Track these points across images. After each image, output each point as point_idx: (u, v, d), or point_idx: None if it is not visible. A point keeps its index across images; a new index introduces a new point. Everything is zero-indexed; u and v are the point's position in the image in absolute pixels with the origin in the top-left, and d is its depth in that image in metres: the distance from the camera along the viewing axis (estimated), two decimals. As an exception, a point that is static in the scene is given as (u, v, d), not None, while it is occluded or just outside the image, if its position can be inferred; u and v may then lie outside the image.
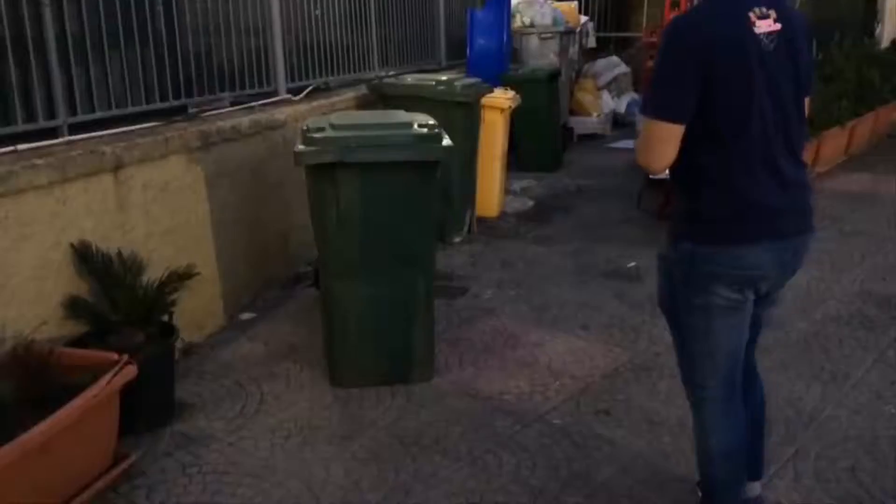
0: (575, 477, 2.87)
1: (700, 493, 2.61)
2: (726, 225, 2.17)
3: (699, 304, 2.23)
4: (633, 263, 5.01)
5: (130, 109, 3.81)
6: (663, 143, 2.10)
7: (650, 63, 10.97)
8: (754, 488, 2.57)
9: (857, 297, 4.48)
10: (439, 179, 3.45)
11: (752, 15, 2.06)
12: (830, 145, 7.27)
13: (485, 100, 5.65)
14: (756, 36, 2.05)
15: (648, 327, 4.13)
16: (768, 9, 2.08)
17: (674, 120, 2.07)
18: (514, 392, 3.47)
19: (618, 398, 3.41)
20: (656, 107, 2.11)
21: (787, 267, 2.30)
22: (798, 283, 4.69)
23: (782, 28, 2.08)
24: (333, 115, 4.22)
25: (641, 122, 2.18)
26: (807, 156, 6.83)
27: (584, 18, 9.71)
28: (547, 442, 3.08)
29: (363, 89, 5.76)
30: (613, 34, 11.91)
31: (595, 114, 9.16)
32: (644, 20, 11.79)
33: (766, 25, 2.06)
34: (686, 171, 2.18)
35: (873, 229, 5.74)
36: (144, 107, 3.89)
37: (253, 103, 4.68)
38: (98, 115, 3.62)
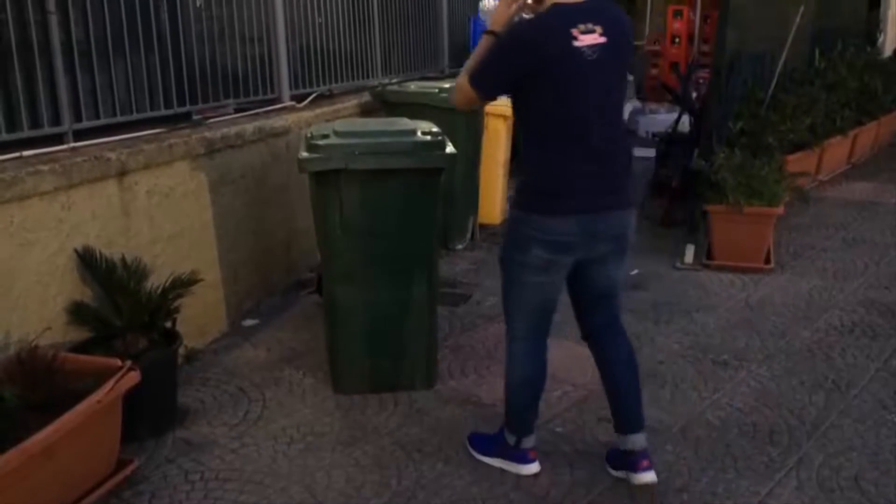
0: (577, 484, 2.86)
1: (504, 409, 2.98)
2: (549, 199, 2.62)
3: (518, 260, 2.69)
4: (635, 271, 5.01)
5: (135, 116, 3.82)
6: (469, 101, 2.68)
7: (654, 71, 11.03)
8: (634, 441, 2.80)
9: (861, 306, 4.48)
10: (442, 186, 3.45)
11: (574, 31, 2.47)
12: (833, 154, 7.27)
13: (488, 107, 5.66)
14: (576, 48, 2.46)
15: (651, 335, 4.13)
16: (594, 24, 2.48)
17: (482, 93, 2.64)
18: (517, 399, 3.46)
19: (620, 406, 3.40)
20: (476, 79, 2.61)
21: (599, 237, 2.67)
22: (801, 291, 4.70)
23: (608, 41, 2.49)
24: (337, 122, 4.22)
25: (461, 83, 2.66)
26: (807, 164, 6.72)
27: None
28: (549, 449, 3.08)
29: (366, 96, 5.77)
30: (616, 42, 11.92)
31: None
32: (647, 29, 11.83)
33: (590, 39, 2.47)
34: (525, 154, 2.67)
35: (876, 238, 5.73)
36: (149, 113, 3.90)
37: (257, 110, 4.69)
38: (103, 121, 3.63)
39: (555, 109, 2.54)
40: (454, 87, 2.72)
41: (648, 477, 2.73)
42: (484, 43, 2.64)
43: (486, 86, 2.63)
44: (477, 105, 2.71)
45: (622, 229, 2.68)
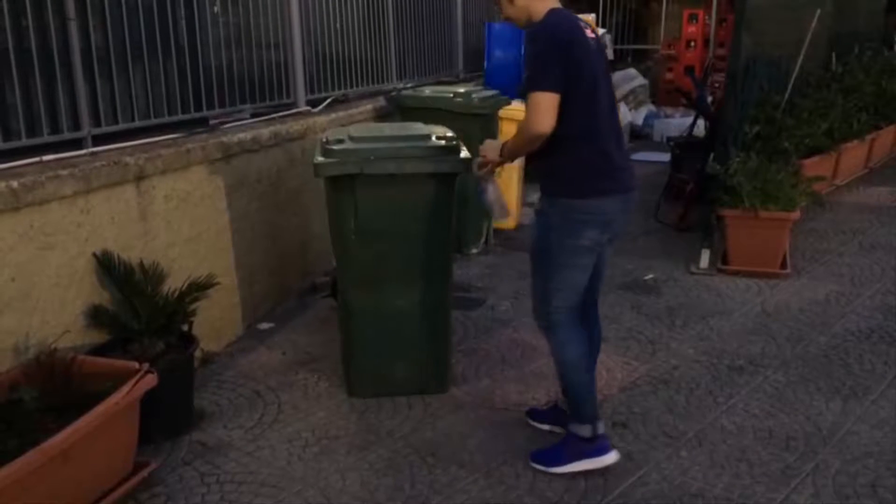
0: (592, 489, 2.86)
1: (568, 405, 3.05)
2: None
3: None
4: (650, 275, 5.00)
5: (153, 121, 3.85)
6: (550, 112, 2.67)
7: (668, 75, 11.00)
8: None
9: (878, 311, 4.44)
10: (457, 191, 3.46)
11: (582, 25, 2.80)
12: (850, 158, 7.22)
13: (502, 112, 5.67)
14: (590, 39, 2.77)
15: (666, 340, 4.12)
16: (584, 27, 2.81)
17: (556, 89, 2.67)
18: (531, 403, 3.46)
19: (635, 411, 3.40)
20: (544, 83, 2.67)
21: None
22: (817, 296, 4.67)
23: (594, 37, 2.83)
24: (352, 126, 4.25)
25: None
26: (824, 168, 6.67)
27: (601, 31, 9.71)
28: (564, 454, 3.08)
29: (381, 101, 5.80)
30: (631, 46, 11.92)
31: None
32: (662, 33, 11.80)
33: (590, 33, 2.80)
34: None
35: (894, 242, 5.69)
36: (166, 118, 3.94)
37: (273, 115, 4.73)
38: (121, 126, 3.67)
39: (590, 94, 2.72)
40: (523, 130, 2.73)
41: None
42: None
43: (556, 83, 2.65)
44: (553, 115, 2.66)
45: (632, 209, 2.94)
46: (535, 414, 3.32)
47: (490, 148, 3.03)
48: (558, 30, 2.71)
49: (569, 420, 2.99)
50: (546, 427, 3.23)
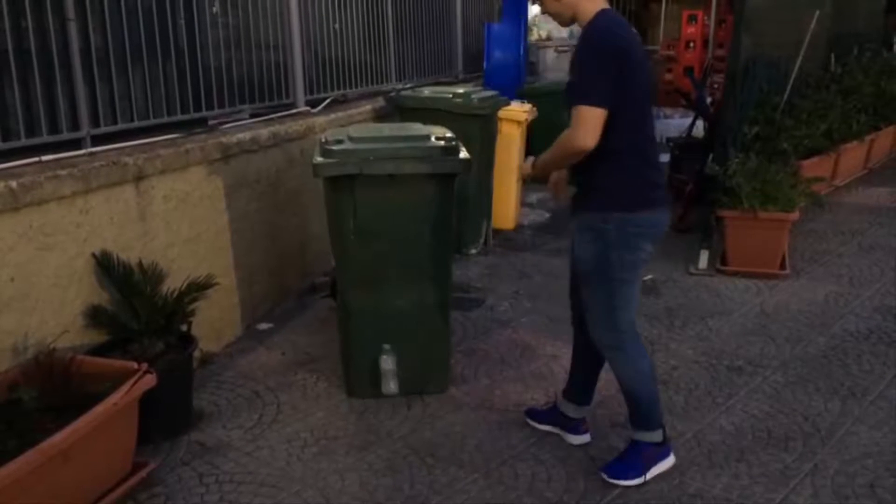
0: (591, 489, 2.86)
1: (634, 415, 2.97)
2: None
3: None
4: (649, 276, 5.00)
5: (152, 121, 3.86)
6: (596, 128, 2.56)
7: (668, 76, 11.00)
8: (584, 410, 3.18)
9: (877, 312, 4.45)
10: (456, 192, 3.47)
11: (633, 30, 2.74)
12: (849, 159, 7.23)
13: (501, 112, 5.68)
14: (640, 44, 2.73)
15: (665, 341, 4.12)
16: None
17: (605, 104, 2.56)
18: (530, 404, 3.46)
19: (634, 411, 3.40)
20: (594, 97, 2.56)
21: None
22: (816, 297, 4.67)
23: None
24: (351, 127, 4.25)
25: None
26: (823, 169, 6.68)
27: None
28: (562, 454, 3.08)
29: (381, 102, 5.80)
30: (630, 47, 11.90)
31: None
32: (661, 34, 11.80)
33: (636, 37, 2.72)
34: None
35: (893, 243, 5.69)
36: (166, 119, 3.94)
37: (272, 115, 4.73)
38: (120, 126, 3.67)
39: (640, 107, 2.67)
40: (565, 143, 2.63)
41: (586, 438, 3.16)
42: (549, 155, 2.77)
43: (605, 98, 2.53)
44: (598, 132, 2.55)
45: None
46: (534, 414, 3.32)
47: (523, 165, 2.97)
48: (612, 37, 2.58)
49: (636, 430, 2.94)
50: (545, 427, 3.24)
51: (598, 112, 2.53)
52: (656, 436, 2.93)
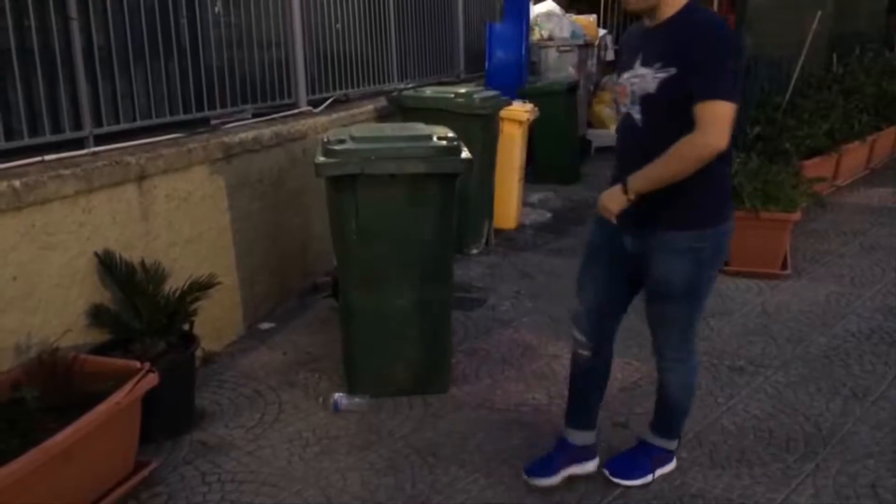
0: (591, 489, 2.86)
1: (660, 421, 2.92)
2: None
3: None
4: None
5: (154, 121, 3.86)
6: (727, 129, 2.35)
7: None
8: (591, 437, 2.97)
9: (878, 312, 4.45)
10: (458, 191, 3.47)
11: None
12: (851, 159, 7.23)
13: (503, 112, 5.68)
14: None
15: (666, 340, 4.12)
16: None
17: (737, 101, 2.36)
18: (532, 404, 3.47)
19: (636, 411, 3.40)
20: (730, 94, 2.34)
21: None
22: (818, 297, 4.67)
23: None
24: (353, 127, 4.26)
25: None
26: (824, 169, 6.68)
27: (602, 31, 9.74)
28: (564, 454, 3.08)
29: (382, 101, 5.80)
30: (632, 47, 11.88)
31: (613, 127, 9.14)
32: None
33: None
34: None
35: (894, 244, 5.69)
36: (168, 118, 3.94)
37: (274, 115, 4.73)
38: (123, 126, 3.67)
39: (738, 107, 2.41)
40: (693, 149, 2.32)
41: (596, 462, 2.97)
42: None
43: (734, 93, 2.33)
44: (730, 130, 2.34)
45: None
46: (539, 469, 2.90)
47: (609, 198, 2.50)
48: (728, 30, 2.39)
49: (656, 435, 2.92)
50: (562, 475, 2.88)
51: (731, 107, 2.29)
52: (672, 444, 2.94)
